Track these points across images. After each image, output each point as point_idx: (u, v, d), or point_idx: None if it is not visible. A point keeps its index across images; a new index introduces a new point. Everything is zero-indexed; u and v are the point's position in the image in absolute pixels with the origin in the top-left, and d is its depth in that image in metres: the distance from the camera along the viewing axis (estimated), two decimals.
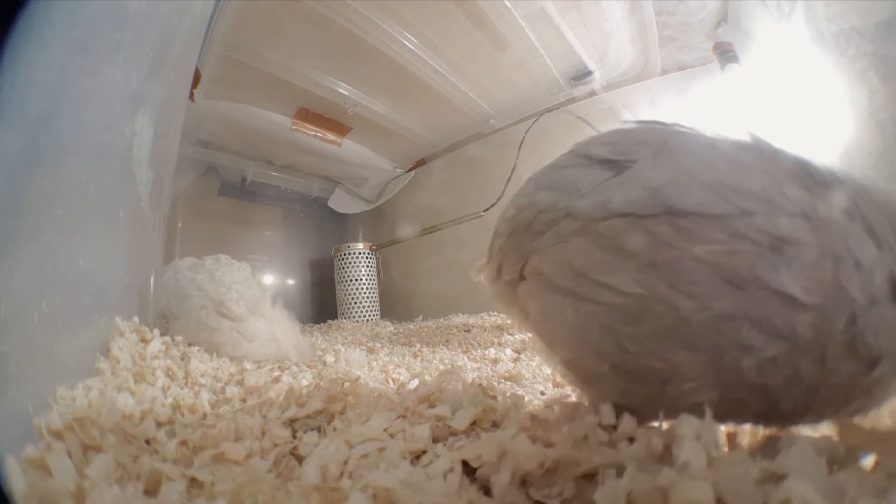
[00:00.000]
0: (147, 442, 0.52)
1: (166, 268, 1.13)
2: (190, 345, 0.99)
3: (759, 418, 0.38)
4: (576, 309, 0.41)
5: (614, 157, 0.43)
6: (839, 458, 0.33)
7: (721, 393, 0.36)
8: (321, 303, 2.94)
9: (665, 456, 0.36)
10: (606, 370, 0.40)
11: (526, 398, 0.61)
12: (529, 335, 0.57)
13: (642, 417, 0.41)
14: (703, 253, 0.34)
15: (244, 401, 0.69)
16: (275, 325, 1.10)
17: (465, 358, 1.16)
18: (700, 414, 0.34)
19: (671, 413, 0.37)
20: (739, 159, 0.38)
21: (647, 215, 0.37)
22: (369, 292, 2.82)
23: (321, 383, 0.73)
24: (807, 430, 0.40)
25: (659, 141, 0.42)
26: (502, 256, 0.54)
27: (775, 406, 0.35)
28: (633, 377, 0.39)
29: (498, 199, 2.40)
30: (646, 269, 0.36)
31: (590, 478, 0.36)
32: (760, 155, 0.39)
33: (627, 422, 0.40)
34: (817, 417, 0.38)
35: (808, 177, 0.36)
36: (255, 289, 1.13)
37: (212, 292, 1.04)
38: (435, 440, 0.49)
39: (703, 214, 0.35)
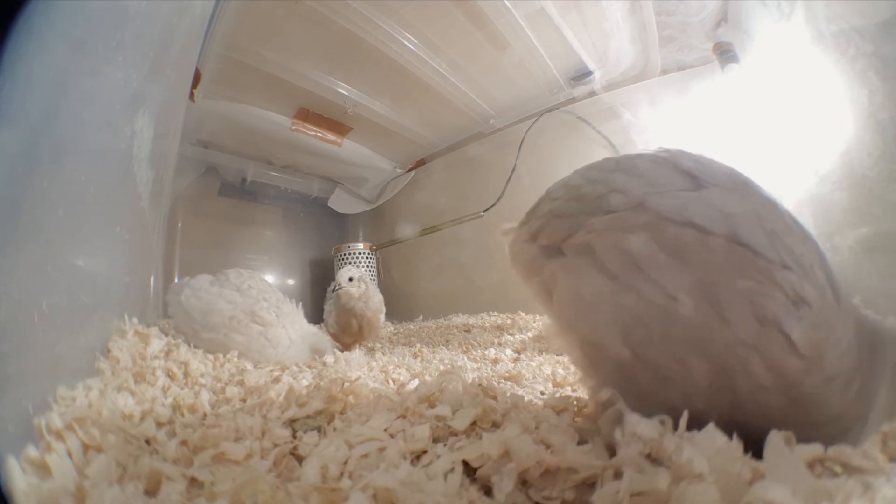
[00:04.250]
0: (147, 442, 0.52)
1: (176, 287, 1.14)
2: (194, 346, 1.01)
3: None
4: (617, 295, 0.43)
5: (699, 174, 0.46)
6: None
7: (707, 404, 0.40)
8: (321, 303, 2.94)
9: (662, 457, 0.36)
10: (627, 357, 0.42)
11: (526, 398, 0.61)
12: (546, 312, 0.56)
13: (634, 409, 0.42)
14: (746, 287, 0.39)
15: (244, 401, 0.69)
16: (294, 326, 1.16)
17: (465, 358, 1.16)
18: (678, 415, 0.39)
19: (661, 410, 0.40)
20: (791, 224, 0.44)
21: (714, 233, 0.41)
22: None
23: (321, 383, 0.73)
24: None
25: (741, 180, 0.47)
26: (548, 220, 0.54)
27: (741, 426, 0.39)
28: (647, 369, 0.42)
29: (498, 199, 2.40)
30: (698, 285, 0.41)
31: (589, 479, 0.36)
32: (801, 228, 0.45)
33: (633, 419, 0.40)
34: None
35: (826, 266, 0.43)
36: (277, 294, 1.20)
37: (242, 303, 1.09)
38: (435, 440, 0.49)
39: (756, 252, 0.40)
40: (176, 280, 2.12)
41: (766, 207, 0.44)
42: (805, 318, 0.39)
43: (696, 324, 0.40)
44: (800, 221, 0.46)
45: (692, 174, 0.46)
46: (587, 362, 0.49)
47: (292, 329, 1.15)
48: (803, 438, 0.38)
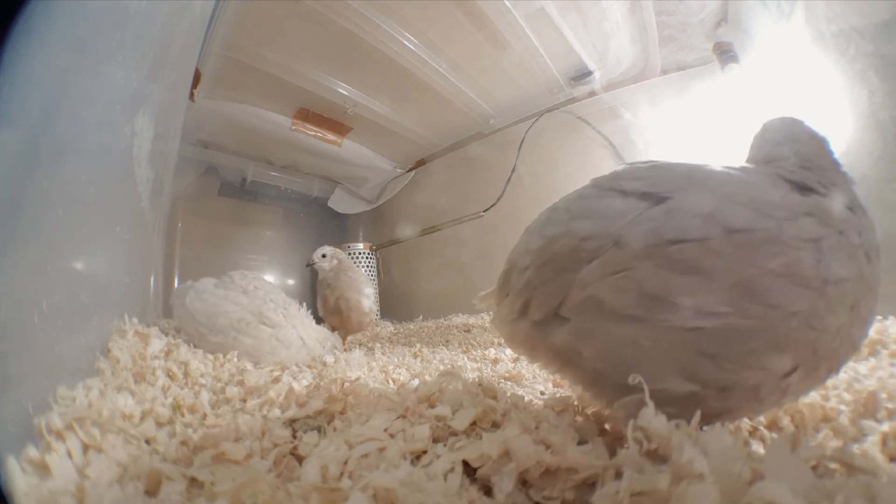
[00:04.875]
0: (147, 442, 0.52)
1: (180, 290, 1.13)
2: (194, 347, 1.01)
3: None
4: (655, 338, 0.41)
5: (649, 189, 0.46)
6: None
7: (796, 376, 0.40)
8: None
9: (662, 458, 0.36)
10: (696, 389, 0.40)
11: (526, 398, 0.61)
12: (567, 379, 0.53)
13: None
14: (778, 265, 0.39)
15: (244, 401, 0.69)
16: (304, 327, 1.17)
17: (465, 358, 1.16)
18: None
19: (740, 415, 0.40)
20: (744, 175, 0.44)
21: (711, 237, 0.40)
22: None
23: (321, 383, 0.73)
24: None
25: (685, 174, 0.46)
26: (530, 292, 0.51)
27: (827, 372, 0.42)
28: (726, 390, 0.40)
29: (498, 199, 2.40)
30: (731, 289, 0.39)
31: (590, 479, 0.36)
32: (754, 172, 0.44)
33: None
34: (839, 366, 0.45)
35: (796, 183, 0.43)
36: (282, 295, 1.20)
37: (248, 305, 1.09)
38: (435, 440, 0.49)
39: (753, 230, 0.39)
40: (176, 281, 2.12)
41: (727, 184, 0.44)
42: (833, 246, 0.39)
43: (757, 327, 0.39)
44: (747, 166, 0.46)
45: (641, 191, 0.46)
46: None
47: (302, 329, 1.15)
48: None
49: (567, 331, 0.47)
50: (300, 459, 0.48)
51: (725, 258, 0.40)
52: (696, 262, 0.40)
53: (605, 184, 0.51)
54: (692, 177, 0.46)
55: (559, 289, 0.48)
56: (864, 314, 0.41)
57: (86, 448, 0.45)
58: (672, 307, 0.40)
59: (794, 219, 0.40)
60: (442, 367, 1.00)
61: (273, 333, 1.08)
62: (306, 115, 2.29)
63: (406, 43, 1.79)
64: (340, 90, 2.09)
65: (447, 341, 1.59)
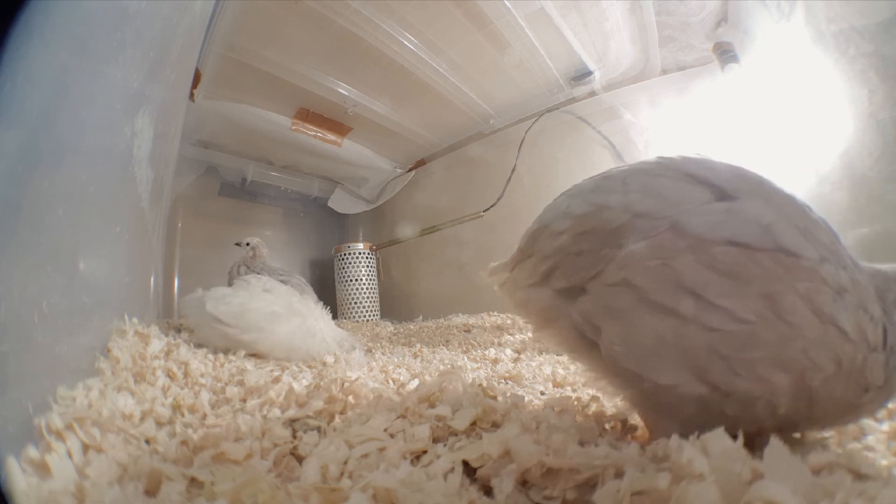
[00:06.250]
0: (147, 442, 0.52)
1: (192, 300, 1.13)
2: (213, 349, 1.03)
3: (788, 426, 0.44)
4: (681, 331, 0.41)
5: (719, 183, 0.45)
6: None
7: (789, 408, 0.41)
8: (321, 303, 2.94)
9: (662, 458, 0.36)
10: (706, 392, 0.40)
11: (526, 398, 0.61)
12: (579, 360, 0.51)
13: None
14: (804, 290, 0.40)
15: (244, 401, 0.69)
16: (326, 321, 1.22)
17: (465, 358, 1.16)
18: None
19: (748, 429, 0.40)
20: (811, 214, 0.44)
21: (760, 247, 0.41)
22: (369, 292, 2.82)
23: (321, 383, 0.73)
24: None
25: (756, 180, 0.46)
26: (560, 258, 0.48)
27: (806, 416, 0.42)
28: (730, 397, 0.41)
29: (498, 199, 2.41)
30: (760, 299, 0.40)
31: (590, 479, 0.36)
32: (815, 213, 0.45)
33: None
34: (822, 426, 0.47)
35: (840, 243, 0.44)
36: (298, 292, 1.25)
37: (276, 300, 1.13)
38: (435, 440, 0.49)
39: (800, 256, 0.40)
40: (176, 281, 2.12)
41: (789, 205, 0.44)
42: (848, 304, 0.40)
43: (770, 339, 0.39)
44: (809, 204, 0.46)
45: (709, 183, 0.45)
46: (655, 405, 0.45)
47: (323, 322, 1.20)
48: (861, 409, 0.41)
49: (591, 304, 0.45)
50: (300, 459, 0.48)
51: (765, 270, 0.40)
52: (739, 267, 0.40)
53: (673, 165, 0.48)
54: (762, 185, 0.45)
55: (595, 262, 0.45)
56: (850, 375, 0.41)
57: (86, 448, 0.45)
58: (704, 305, 0.40)
59: (834, 264, 0.41)
60: (442, 367, 1.00)
61: (302, 323, 1.12)
62: (306, 115, 2.29)
63: (406, 43, 1.79)
64: (340, 90, 2.10)
65: (447, 341, 1.59)
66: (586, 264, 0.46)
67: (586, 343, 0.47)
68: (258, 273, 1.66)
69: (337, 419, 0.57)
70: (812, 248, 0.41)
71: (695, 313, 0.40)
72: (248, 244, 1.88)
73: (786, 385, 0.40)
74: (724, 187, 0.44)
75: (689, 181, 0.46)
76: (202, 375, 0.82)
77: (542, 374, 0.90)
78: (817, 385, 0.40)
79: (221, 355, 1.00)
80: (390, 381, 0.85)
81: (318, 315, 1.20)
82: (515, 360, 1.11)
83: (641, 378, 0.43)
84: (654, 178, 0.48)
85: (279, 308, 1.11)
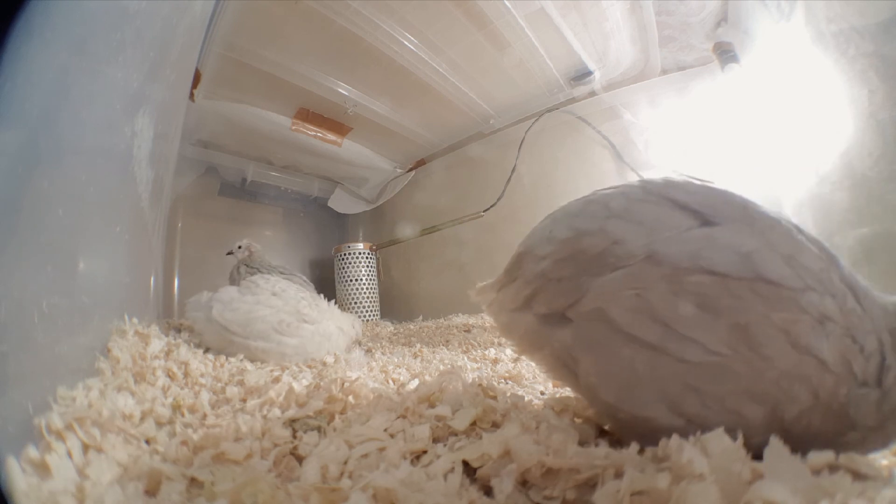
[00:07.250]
0: (147, 442, 0.52)
1: (198, 303, 1.12)
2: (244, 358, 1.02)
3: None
4: (654, 363, 0.40)
5: (701, 209, 0.44)
6: None
7: (762, 438, 0.38)
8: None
9: (662, 458, 0.36)
10: (681, 425, 0.39)
11: (526, 398, 0.61)
12: (566, 384, 0.51)
13: None
14: (780, 320, 0.38)
15: (244, 401, 0.69)
16: (336, 317, 1.21)
17: (465, 358, 1.16)
18: None
19: None
20: (800, 239, 0.42)
21: (738, 278, 0.39)
22: (369, 292, 2.82)
23: (321, 383, 0.73)
24: None
25: (740, 205, 0.44)
26: (541, 283, 0.48)
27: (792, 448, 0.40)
28: (707, 431, 0.39)
29: (498, 199, 2.41)
30: (733, 331, 0.39)
31: (590, 479, 0.36)
32: (807, 237, 0.43)
33: None
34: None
35: (839, 269, 0.42)
36: (307, 290, 1.23)
37: (284, 306, 1.09)
38: (435, 440, 0.49)
39: (780, 285, 0.39)
40: (176, 281, 2.12)
41: (774, 231, 0.42)
42: (831, 333, 0.38)
43: (743, 372, 0.38)
44: (802, 228, 0.44)
45: (692, 208, 0.44)
46: (634, 435, 0.43)
47: (333, 320, 1.18)
48: (846, 447, 0.38)
49: (569, 334, 0.45)
50: (300, 459, 0.48)
51: (739, 300, 0.39)
52: (711, 298, 0.39)
53: (655, 189, 0.47)
54: (746, 209, 0.44)
55: (574, 289, 0.45)
56: (829, 408, 0.39)
57: (86, 448, 0.45)
58: (676, 337, 0.39)
59: (819, 292, 0.39)
60: (442, 367, 1.00)
61: (315, 329, 1.10)
62: (306, 115, 2.29)
63: (406, 43, 1.79)
64: (340, 90, 2.10)
65: (447, 341, 1.59)
66: (566, 291, 0.46)
67: (569, 371, 0.47)
68: (261, 272, 1.65)
69: (337, 419, 0.57)
70: (795, 275, 0.39)
71: (666, 345, 0.39)
72: (239, 247, 1.88)
73: (759, 417, 0.38)
74: (706, 213, 0.43)
75: (670, 206, 0.45)
76: (202, 375, 0.82)
77: (541, 374, 0.90)
78: (791, 418, 0.38)
79: (224, 357, 1.00)
80: (390, 381, 0.85)
81: (328, 315, 1.17)
82: (515, 360, 1.11)
83: (618, 409, 0.42)
84: (636, 204, 0.47)
85: (287, 317, 1.07)
